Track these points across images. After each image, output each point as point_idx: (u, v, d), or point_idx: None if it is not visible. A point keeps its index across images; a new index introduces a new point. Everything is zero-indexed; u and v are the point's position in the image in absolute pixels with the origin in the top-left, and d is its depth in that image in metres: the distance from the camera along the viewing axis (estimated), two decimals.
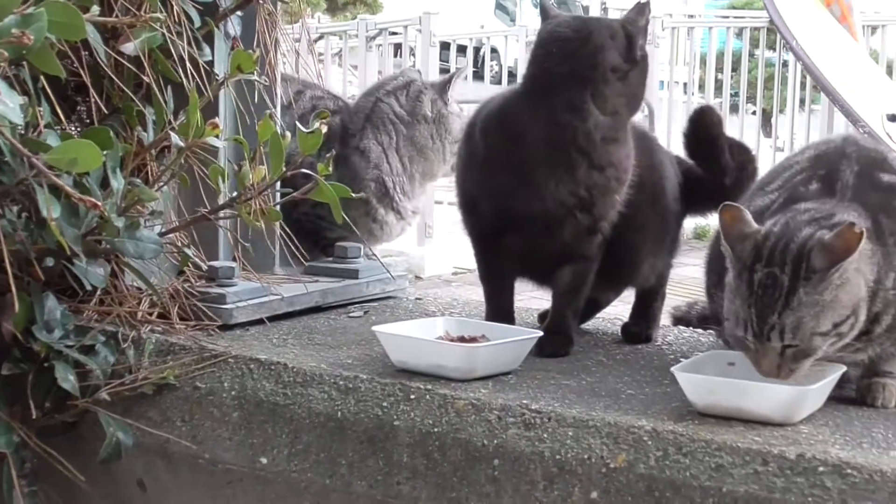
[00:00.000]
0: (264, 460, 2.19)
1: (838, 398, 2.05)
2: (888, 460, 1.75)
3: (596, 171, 2.33)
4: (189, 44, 2.47)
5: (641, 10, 2.35)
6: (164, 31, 2.35)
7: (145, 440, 2.29)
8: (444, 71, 9.52)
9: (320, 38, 9.73)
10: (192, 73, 2.46)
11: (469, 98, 4.45)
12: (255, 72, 2.42)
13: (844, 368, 1.99)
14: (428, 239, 8.34)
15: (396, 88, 3.35)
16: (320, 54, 9.56)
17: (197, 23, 2.48)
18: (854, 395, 2.08)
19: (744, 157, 2.64)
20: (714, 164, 2.62)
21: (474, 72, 12.43)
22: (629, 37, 2.34)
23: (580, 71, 2.32)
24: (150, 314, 2.47)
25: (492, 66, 13.54)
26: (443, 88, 3.35)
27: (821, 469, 1.74)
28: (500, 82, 12.85)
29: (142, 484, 2.36)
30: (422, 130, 3.30)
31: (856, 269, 1.88)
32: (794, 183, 2.13)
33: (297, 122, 2.40)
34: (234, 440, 2.23)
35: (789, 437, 1.84)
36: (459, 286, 7.33)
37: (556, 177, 2.31)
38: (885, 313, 1.97)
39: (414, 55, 9.61)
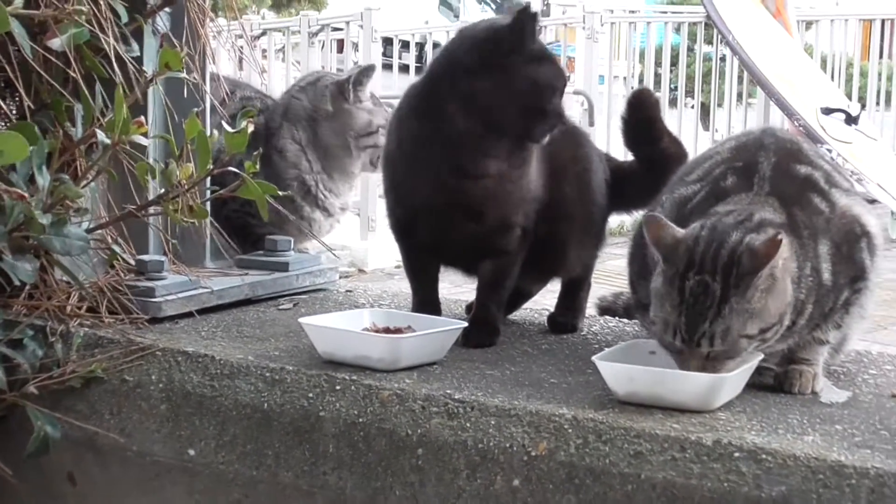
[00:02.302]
0: (192, 452, 2.20)
1: (757, 385, 2.09)
2: (802, 445, 1.79)
3: (468, 180, 2.33)
4: (117, 40, 2.46)
5: (519, 17, 2.29)
6: (91, 26, 2.35)
7: (74, 433, 2.29)
8: (386, 66, 9.51)
9: (263, 34, 9.67)
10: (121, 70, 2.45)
11: None
12: (184, 69, 2.42)
13: (762, 356, 2.02)
14: (371, 233, 8.32)
15: (307, 84, 3.29)
16: (263, 51, 9.54)
17: (124, 18, 2.48)
18: (772, 381, 2.12)
19: (680, 151, 2.64)
20: (652, 149, 2.62)
21: (417, 67, 12.44)
22: (485, 39, 2.31)
23: (436, 67, 2.37)
24: (80, 308, 2.47)
25: None
26: (345, 82, 3.22)
27: (736, 455, 1.78)
28: None
29: (72, 478, 2.35)
30: (324, 127, 3.22)
31: (782, 269, 1.92)
32: (715, 176, 2.16)
33: (223, 123, 2.39)
34: (162, 432, 2.24)
35: (707, 424, 1.88)
36: (402, 279, 7.31)
37: (422, 176, 2.35)
38: (808, 301, 2.01)
39: (357, 51, 9.57)
